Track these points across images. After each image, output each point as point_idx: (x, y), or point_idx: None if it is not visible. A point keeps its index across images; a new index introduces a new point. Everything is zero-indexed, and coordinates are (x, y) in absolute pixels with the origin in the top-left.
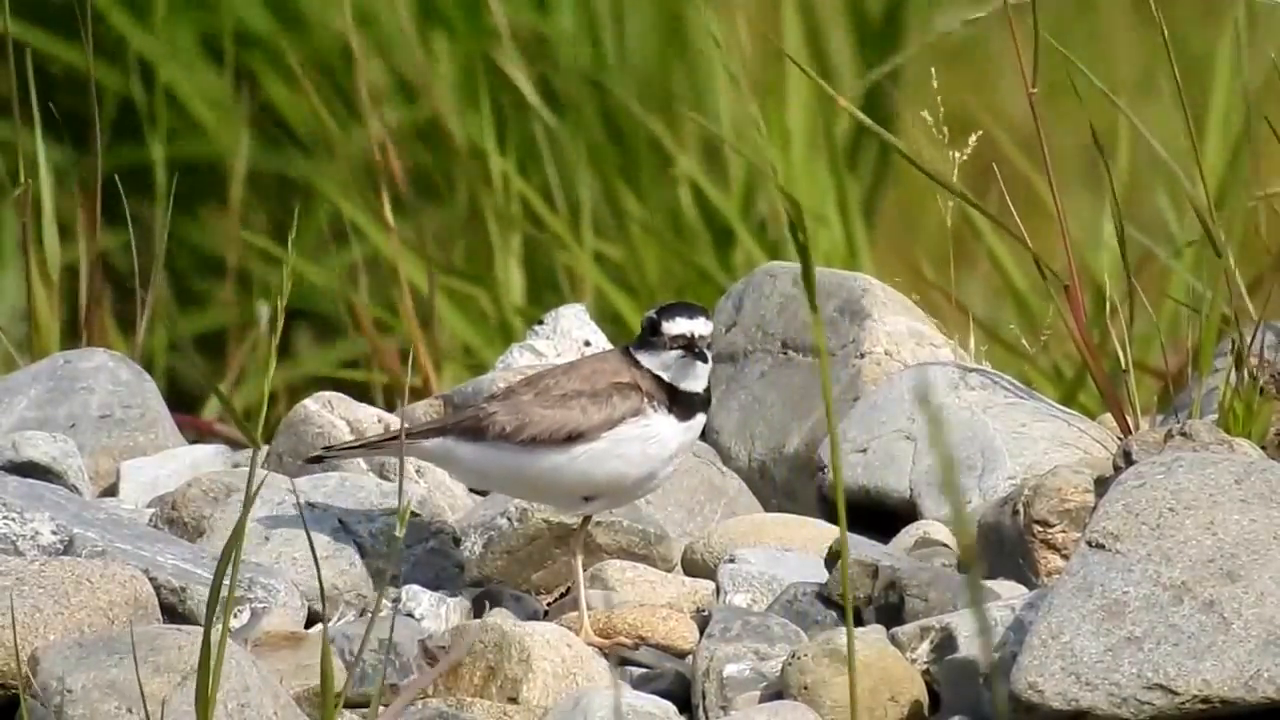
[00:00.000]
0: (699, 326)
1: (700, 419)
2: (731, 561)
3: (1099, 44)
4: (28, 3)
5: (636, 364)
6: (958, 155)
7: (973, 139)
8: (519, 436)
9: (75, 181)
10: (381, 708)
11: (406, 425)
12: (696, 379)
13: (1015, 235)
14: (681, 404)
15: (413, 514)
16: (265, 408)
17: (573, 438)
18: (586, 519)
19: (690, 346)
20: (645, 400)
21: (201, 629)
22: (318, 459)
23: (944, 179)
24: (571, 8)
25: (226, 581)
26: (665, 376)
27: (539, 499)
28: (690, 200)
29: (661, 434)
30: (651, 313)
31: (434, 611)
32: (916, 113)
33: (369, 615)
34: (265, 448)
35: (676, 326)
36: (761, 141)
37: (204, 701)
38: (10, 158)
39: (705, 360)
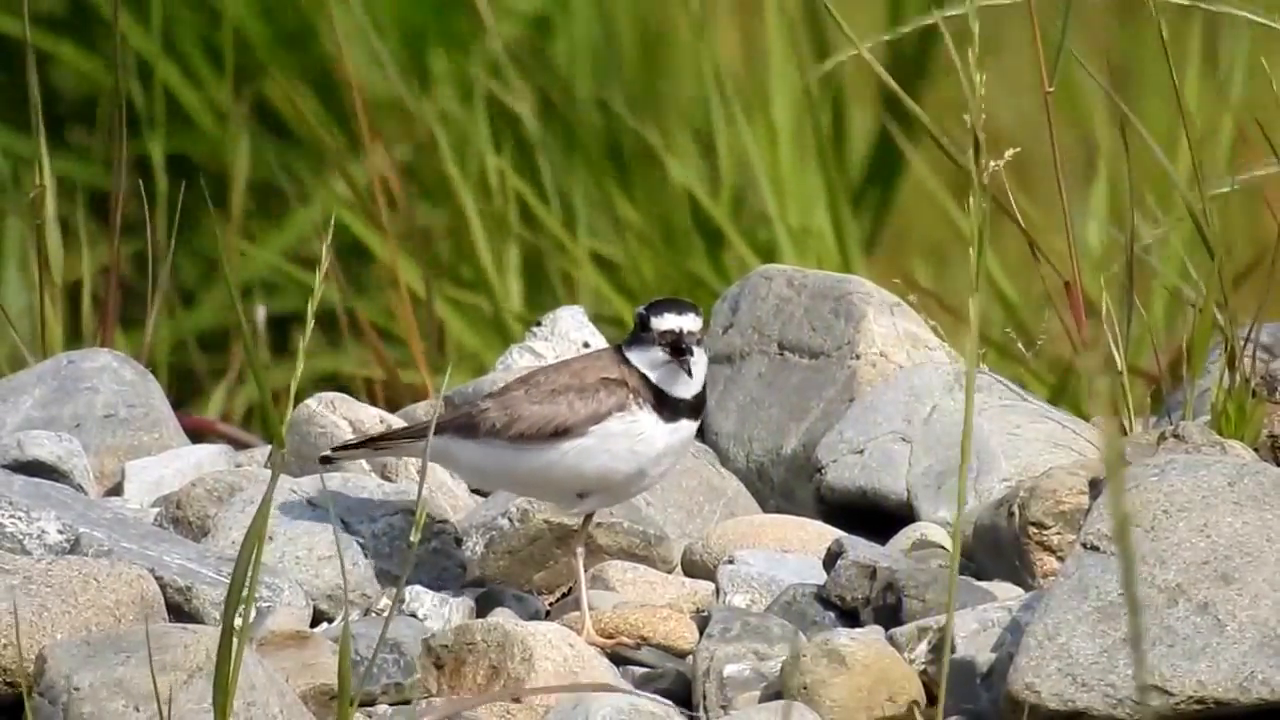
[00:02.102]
0: (688, 323)
1: (689, 422)
2: (731, 563)
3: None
4: (40, 9)
5: (627, 361)
6: (992, 164)
7: (1008, 153)
8: (509, 433)
9: (79, 186)
10: (387, 707)
11: (407, 425)
12: (684, 386)
13: (1021, 227)
14: (668, 403)
15: (412, 513)
16: (290, 409)
17: (559, 433)
18: (588, 519)
19: (678, 343)
20: (631, 396)
21: (208, 628)
22: (328, 459)
23: (980, 179)
24: (564, 17)
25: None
26: (652, 378)
27: (533, 495)
28: (683, 204)
29: (648, 431)
30: (642, 309)
31: (436, 611)
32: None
33: (372, 614)
34: (268, 447)
35: (665, 322)
36: (749, 143)
37: (222, 699)
38: (13, 162)
39: (691, 354)
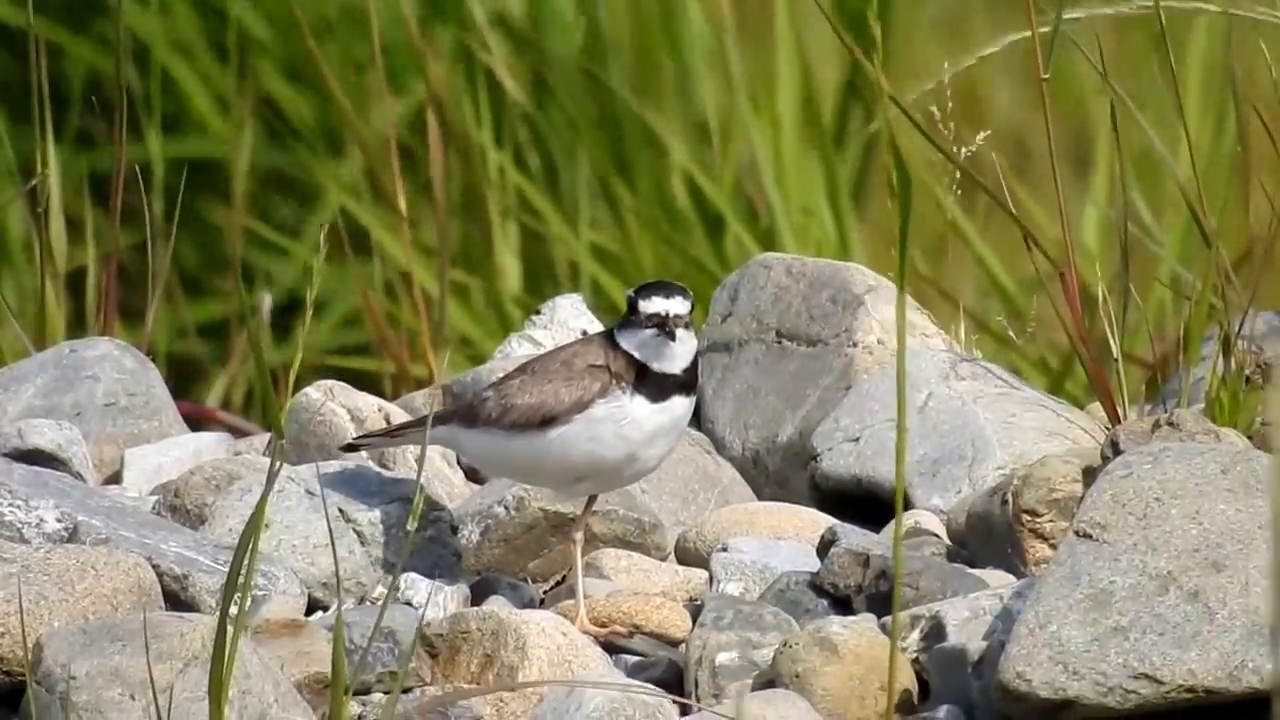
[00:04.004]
0: (675, 305)
1: (679, 401)
2: (724, 550)
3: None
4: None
5: (615, 346)
6: (965, 150)
7: (980, 136)
8: (504, 421)
9: (83, 176)
10: (383, 695)
11: (411, 415)
12: (670, 360)
13: (1014, 218)
14: (653, 385)
15: (410, 500)
16: (288, 398)
17: (547, 421)
18: (588, 506)
19: (664, 324)
20: (614, 381)
21: (204, 616)
22: (352, 447)
23: (959, 162)
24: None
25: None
26: (638, 356)
27: (531, 481)
28: (683, 190)
29: (633, 414)
30: (631, 291)
31: (431, 599)
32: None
33: (368, 603)
34: (267, 435)
35: (652, 305)
36: (751, 129)
37: (218, 688)
38: (19, 152)
39: (673, 338)
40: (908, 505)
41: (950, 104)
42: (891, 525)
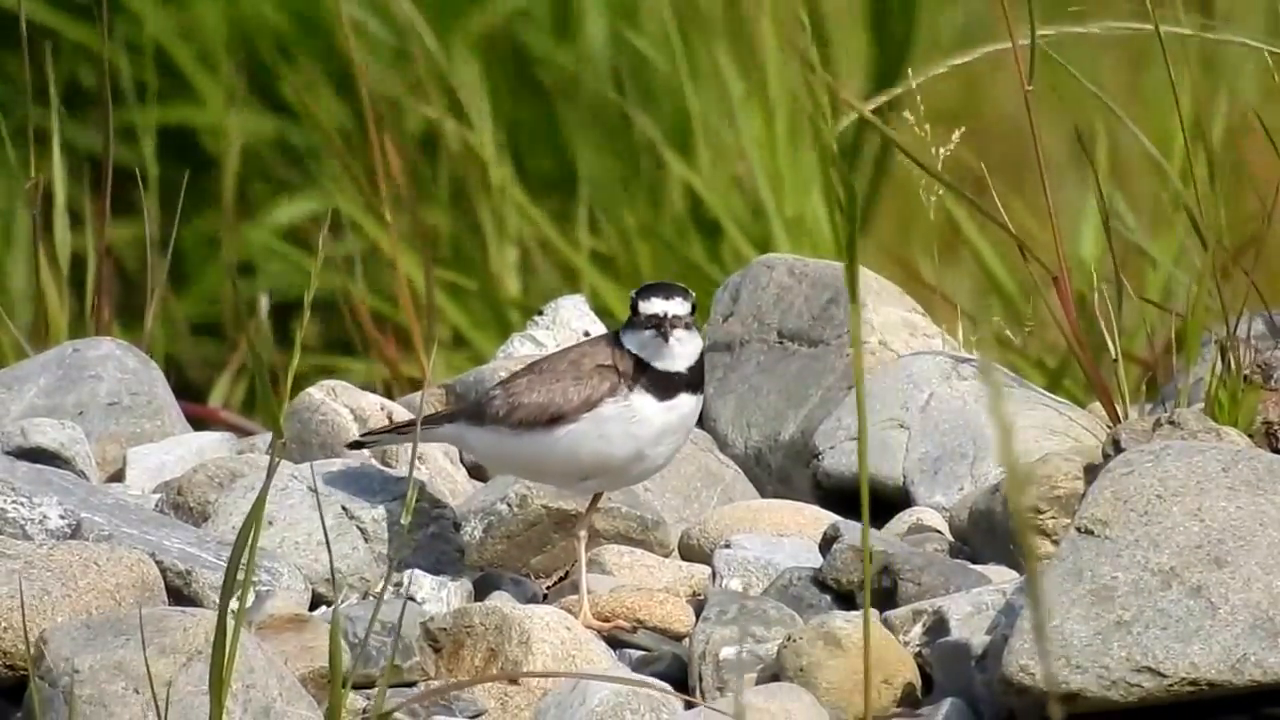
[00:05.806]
0: (674, 306)
1: (686, 399)
2: (727, 547)
3: (1083, 44)
4: None
5: (622, 346)
6: (942, 150)
7: (956, 135)
8: (511, 420)
9: (85, 172)
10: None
11: (414, 414)
12: (672, 358)
13: (1000, 223)
14: (660, 383)
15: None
16: (287, 398)
17: (555, 419)
18: (593, 503)
19: (661, 325)
20: (621, 380)
21: (207, 611)
22: (358, 444)
23: (933, 169)
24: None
25: (242, 563)
26: (642, 355)
27: (537, 480)
28: (680, 195)
29: (642, 413)
30: (633, 293)
31: (435, 595)
32: (905, 110)
33: (372, 598)
34: (269, 434)
35: (652, 306)
36: (746, 133)
37: (218, 683)
38: (23, 149)
39: (668, 339)
40: (909, 503)
41: (947, 104)
42: (894, 521)
